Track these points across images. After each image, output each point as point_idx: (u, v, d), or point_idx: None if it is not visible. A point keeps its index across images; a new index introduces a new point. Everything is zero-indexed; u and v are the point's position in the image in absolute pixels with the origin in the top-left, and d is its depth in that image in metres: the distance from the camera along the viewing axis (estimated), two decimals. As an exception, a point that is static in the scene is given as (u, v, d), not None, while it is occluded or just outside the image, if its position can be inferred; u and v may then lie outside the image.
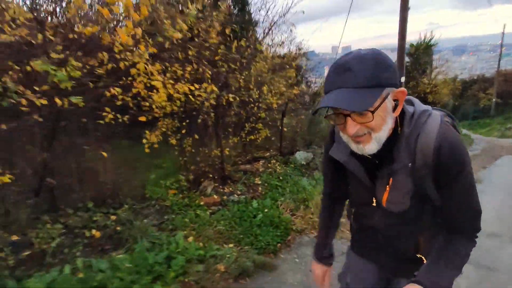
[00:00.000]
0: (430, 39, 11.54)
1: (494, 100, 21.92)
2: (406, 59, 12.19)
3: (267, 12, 5.69)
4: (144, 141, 3.20)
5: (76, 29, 2.68)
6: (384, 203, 0.95)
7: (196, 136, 3.52)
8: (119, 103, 2.78)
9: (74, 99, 2.36)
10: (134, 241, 2.56)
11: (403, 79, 6.01)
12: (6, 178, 2.11)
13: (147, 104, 3.01)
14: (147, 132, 3.24)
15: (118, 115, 2.82)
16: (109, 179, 2.82)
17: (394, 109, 0.83)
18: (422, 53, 11.00)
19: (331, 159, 1.01)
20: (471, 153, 9.07)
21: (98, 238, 2.48)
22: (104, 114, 2.68)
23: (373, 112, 0.76)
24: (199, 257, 2.52)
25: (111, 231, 2.58)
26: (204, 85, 2.96)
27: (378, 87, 0.75)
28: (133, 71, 2.70)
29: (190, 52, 3.01)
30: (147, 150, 3.23)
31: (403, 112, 0.87)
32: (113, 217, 2.66)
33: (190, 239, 2.75)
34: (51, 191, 2.56)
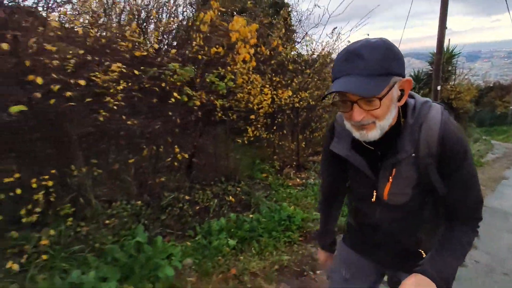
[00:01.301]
0: (453, 49, 12.33)
1: (511, 108, 22.36)
2: (429, 67, 13.00)
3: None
4: (248, 134, 4.14)
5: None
6: (386, 196, 0.95)
7: (284, 132, 4.45)
8: (227, 104, 3.68)
9: (220, 101, 3.33)
10: (256, 206, 3.48)
11: (439, 87, 6.84)
12: (180, 156, 3.04)
13: (250, 105, 3.94)
14: (248, 128, 4.18)
15: (230, 113, 3.76)
16: (230, 163, 3.76)
17: (399, 98, 0.84)
18: (446, 62, 11.76)
19: (331, 154, 1.02)
20: (494, 156, 9.81)
21: (233, 202, 3.42)
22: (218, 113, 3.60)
23: (380, 99, 0.77)
24: (307, 219, 3.43)
25: (239, 199, 3.51)
26: (303, 94, 3.89)
27: (387, 75, 0.77)
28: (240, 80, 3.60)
29: (290, 66, 3.95)
30: (246, 142, 4.17)
31: (405, 104, 0.88)
32: (238, 189, 3.60)
33: (293, 207, 3.66)
34: (196, 168, 3.51)
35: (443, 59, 12.58)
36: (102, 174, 2.56)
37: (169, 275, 2.14)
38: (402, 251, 1.02)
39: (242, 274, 2.43)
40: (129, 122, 2.52)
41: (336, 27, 5.08)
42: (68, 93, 2.06)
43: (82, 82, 2.03)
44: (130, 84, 2.51)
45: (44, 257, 2.06)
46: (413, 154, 0.85)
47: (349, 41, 4.75)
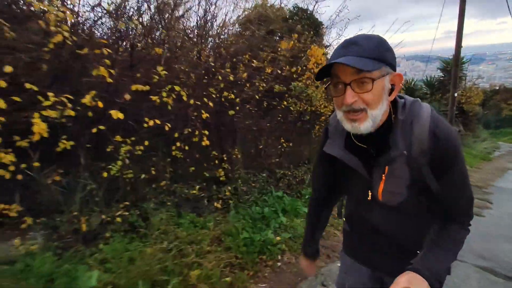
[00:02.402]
0: (463, 57, 13.59)
1: (516, 110, 23.51)
2: (441, 74, 14.28)
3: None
4: (314, 131, 5.51)
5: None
6: (380, 195, 0.94)
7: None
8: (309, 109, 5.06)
9: (309, 107, 4.71)
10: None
11: (456, 94, 8.15)
12: (286, 145, 4.41)
13: (320, 110, 5.30)
14: (317, 126, 5.54)
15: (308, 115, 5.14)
16: (308, 151, 5.14)
17: (390, 93, 0.85)
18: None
19: (324, 157, 1.02)
20: (500, 153, 11.18)
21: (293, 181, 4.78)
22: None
23: (373, 81, 0.79)
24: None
25: (299, 178, 4.86)
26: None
27: (380, 61, 0.80)
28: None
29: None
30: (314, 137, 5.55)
31: (395, 102, 0.89)
32: (297, 172, 4.97)
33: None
34: (289, 153, 4.89)
35: (451, 66, 13.86)
36: (245, 156, 3.95)
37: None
38: (402, 253, 1.00)
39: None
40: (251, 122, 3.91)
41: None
42: (248, 106, 3.46)
43: (257, 96, 3.43)
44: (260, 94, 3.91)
45: (230, 201, 3.44)
46: (405, 152, 0.85)
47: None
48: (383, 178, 0.92)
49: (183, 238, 2.51)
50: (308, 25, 8.35)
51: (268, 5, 6.52)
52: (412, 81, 13.61)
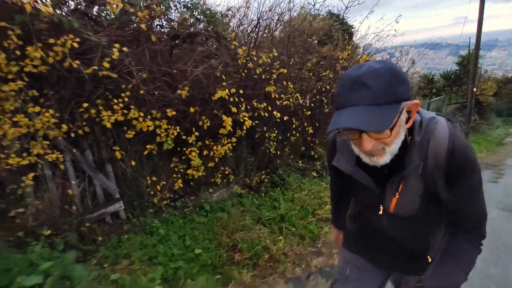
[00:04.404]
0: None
1: (527, 99, 24.39)
2: (456, 67, 15.43)
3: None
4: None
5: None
6: (392, 209, 0.95)
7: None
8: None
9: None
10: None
11: (474, 89, 9.45)
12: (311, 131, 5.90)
13: None
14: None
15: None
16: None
17: (406, 121, 0.83)
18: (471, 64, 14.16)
19: (334, 168, 1.03)
20: (511, 139, 12.51)
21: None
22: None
23: (391, 130, 0.76)
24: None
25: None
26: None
27: (395, 102, 0.75)
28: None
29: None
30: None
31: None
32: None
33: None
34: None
35: (467, 60, 14.99)
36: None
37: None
38: (408, 256, 1.02)
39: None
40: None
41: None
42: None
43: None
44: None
45: (322, 171, 4.95)
46: (421, 164, 0.85)
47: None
48: (397, 196, 0.92)
49: (311, 190, 4.05)
50: (343, 30, 9.60)
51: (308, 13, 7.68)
52: (430, 75, 14.83)
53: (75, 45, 2.15)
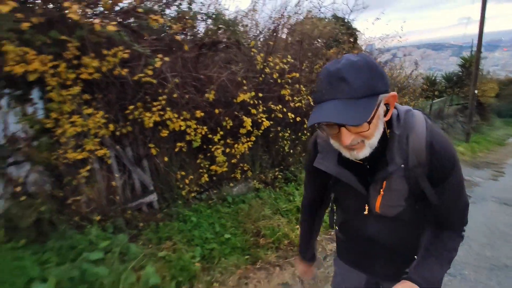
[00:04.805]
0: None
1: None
2: (459, 69, 15.71)
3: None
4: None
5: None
6: (378, 209, 0.95)
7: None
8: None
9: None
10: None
11: (476, 91, 9.74)
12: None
13: None
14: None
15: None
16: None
17: (385, 113, 0.84)
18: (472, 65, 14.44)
19: (315, 170, 1.00)
20: (510, 140, 12.80)
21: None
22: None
23: (369, 123, 0.77)
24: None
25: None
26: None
27: (373, 95, 0.76)
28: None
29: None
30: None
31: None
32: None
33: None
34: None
35: (469, 63, 15.28)
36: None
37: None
38: (397, 259, 1.03)
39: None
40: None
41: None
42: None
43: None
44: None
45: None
46: (403, 166, 0.86)
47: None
48: (381, 193, 0.93)
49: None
50: (348, 34, 9.92)
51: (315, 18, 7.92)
52: (433, 76, 15.11)
53: (125, 55, 2.49)
